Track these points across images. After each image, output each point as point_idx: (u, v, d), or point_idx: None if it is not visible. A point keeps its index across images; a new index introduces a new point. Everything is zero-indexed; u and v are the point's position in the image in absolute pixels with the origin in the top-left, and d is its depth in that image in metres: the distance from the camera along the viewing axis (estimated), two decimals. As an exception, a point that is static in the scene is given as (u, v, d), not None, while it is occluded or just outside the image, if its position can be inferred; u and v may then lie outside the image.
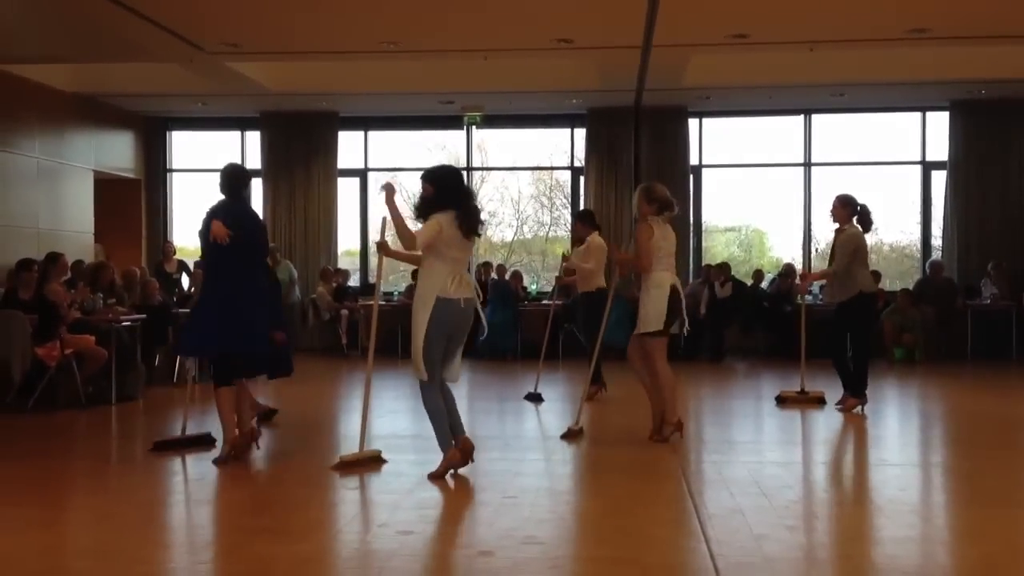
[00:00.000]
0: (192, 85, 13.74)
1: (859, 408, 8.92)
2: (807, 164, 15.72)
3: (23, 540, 4.80)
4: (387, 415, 9.05)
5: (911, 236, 16.30)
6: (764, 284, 15.18)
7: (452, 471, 6.13)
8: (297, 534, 4.91)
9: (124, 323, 10.01)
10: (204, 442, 7.17)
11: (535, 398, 9.73)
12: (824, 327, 9.62)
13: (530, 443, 7.53)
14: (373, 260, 16.97)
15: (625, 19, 10.58)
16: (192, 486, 6.18)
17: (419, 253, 6.02)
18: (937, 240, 15.66)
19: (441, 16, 10.66)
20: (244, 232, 6.54)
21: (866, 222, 8.96)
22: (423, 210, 6.09)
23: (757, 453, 7.10)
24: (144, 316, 10.46)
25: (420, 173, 6.26)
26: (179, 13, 10.44)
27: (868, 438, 8.14)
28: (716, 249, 16.78)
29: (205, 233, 6.55)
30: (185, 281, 13.71)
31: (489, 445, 7.36)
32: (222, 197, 6.70)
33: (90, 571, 4.35)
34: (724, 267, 14.92)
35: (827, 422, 8.76)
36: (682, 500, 5.56)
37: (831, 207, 9.05)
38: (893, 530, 5.03)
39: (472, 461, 6.22)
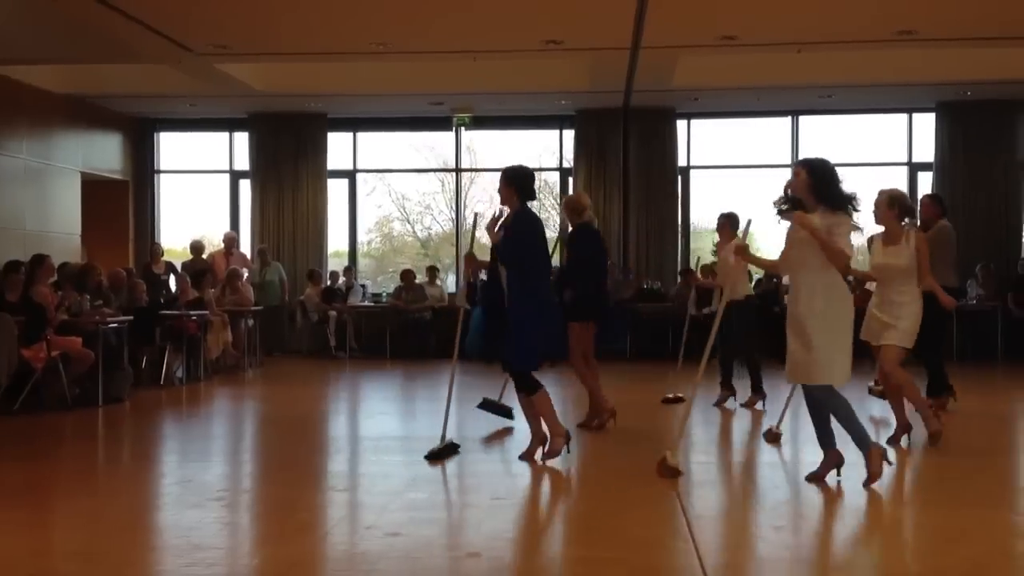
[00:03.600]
0: (180, 86, 13.69)
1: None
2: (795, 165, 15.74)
3: (10, 542, 4.78)
4: (376, 416, 9.05)
5: (898, 237, 16.34)
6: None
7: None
8: (285, 537, 4.90)
9: (111, 325, 9.99)
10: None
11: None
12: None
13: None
14: (363, 262, 16.94)
15: (614, 20, 10.60)
16: (180, 488, 6.16)
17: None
18: (924, 241, 15.70)
19: (430, 17, 10.66)
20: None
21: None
22: (798, 201, 6.04)
23: (745, 454, 7.11)
24: (131, 318, 10.44)
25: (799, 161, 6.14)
26: (168, 14, 10.41)
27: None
28: (704, 251, 16.78)
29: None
30: (172, 283, 13.64)
31: (477, 447, 7.37)
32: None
33: (78, 574, 4.34)
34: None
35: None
36: (670, 501, 5.56)
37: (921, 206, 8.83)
38: (880, 531, 5.05)
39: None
